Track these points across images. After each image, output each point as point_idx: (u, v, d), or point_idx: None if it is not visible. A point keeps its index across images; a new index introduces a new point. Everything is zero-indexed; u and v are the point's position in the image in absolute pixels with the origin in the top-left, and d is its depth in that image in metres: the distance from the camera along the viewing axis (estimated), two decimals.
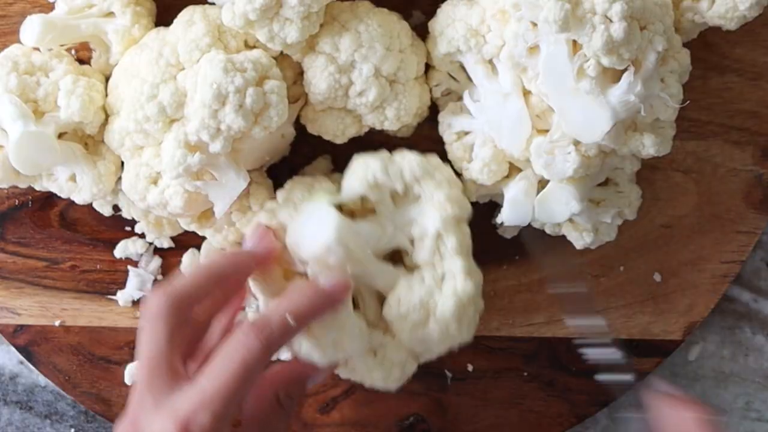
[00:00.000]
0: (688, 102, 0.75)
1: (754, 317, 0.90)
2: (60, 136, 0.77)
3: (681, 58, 0.75)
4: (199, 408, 0.61)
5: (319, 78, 0.75)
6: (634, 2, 0.70)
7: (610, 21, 0.70)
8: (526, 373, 0.86)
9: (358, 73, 0.75)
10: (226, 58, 0.72)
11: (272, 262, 0.75)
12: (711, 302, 0.86)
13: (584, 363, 0.86)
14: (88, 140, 0.79)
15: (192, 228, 0.81)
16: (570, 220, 0.79)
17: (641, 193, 0.82)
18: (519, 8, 0.72)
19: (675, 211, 0.86)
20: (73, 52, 0.81)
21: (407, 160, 0.76)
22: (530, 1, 0.71)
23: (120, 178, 0.79)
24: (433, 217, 0.75)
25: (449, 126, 0.80)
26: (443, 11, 0.78)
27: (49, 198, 0.83)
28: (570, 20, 0.69)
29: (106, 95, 0.78)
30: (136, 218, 0.83)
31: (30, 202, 0.84)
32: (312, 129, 0.79)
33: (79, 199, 0.78)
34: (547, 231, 0.82)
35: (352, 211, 0.76)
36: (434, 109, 0.81)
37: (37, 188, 0.80)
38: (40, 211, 0.84)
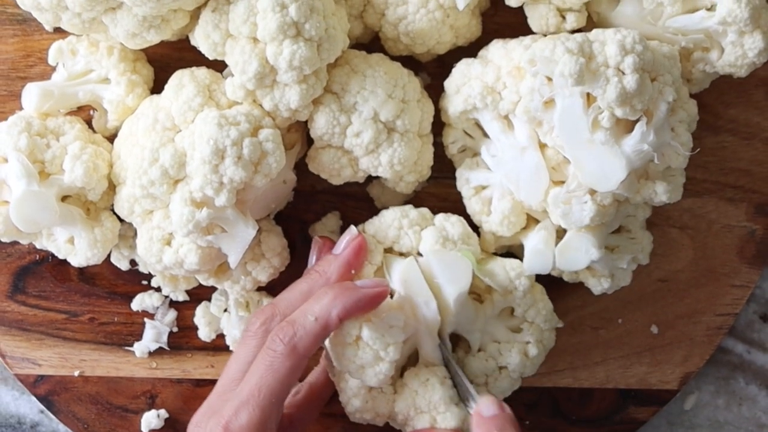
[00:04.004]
0: (698, 150, 0.76)
1: (747, 368, 0.92)
2: (64, 199, 0.79)
3: (689, 108, 0.76)
4: (236, 410, 0.69)
5: (320, 113, 0.77)
6: (645, 55, 0.72)
7: (623, 73, 0.72)
8: (527, 422, 0.89)
9: (358, 114, 0.77)
10: (219, 114, 0.74)
11: (357, 270, 0.77)
12: (706, 353, 0.89)
13: (584, 412, 0.88)
14: (90, 206, 0.80)
15: (211, 282, 0.82)
16: (588, 267, 0.80)
17: (653, 238, 0.83)
18: (534, 63, 0.73)
19: (671, 265, 0.88)
20: (91, 112, 0.83)
21: (545, 306, 0.79)
22: (545, 56, 0.72)
23: (135, 234, 0.81)
24: (514, 361, 0.78)
25: (467, 181, 0.81)
26: (458, 70, 0.79)
27: None
28: (585, 73, 0.71)
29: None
30: (152, 273, 0.86)
31: (50, 257, 0.86)
32: (312, 167, 0.81)
33: (75, 261, 0.80)
34: (565, 278, 0.83)
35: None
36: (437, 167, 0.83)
37: (38, 246, 0.81)
38: (60, 265, 0.86)
